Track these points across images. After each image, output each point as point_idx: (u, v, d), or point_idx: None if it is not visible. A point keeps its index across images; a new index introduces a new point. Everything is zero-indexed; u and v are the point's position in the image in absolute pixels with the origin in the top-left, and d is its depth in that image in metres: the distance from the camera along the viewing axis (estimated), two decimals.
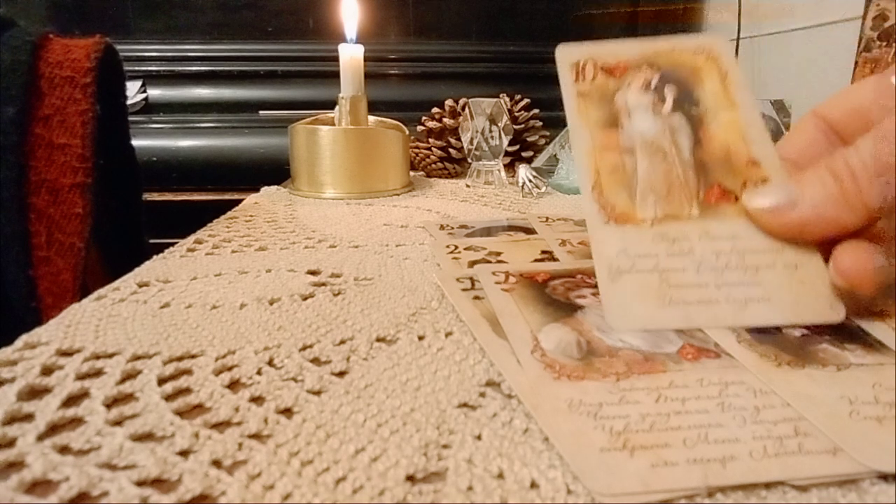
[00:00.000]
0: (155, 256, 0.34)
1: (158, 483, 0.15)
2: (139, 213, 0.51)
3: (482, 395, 0.19)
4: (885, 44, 0.52)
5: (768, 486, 0.14)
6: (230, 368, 0.20)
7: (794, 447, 0.15)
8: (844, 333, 0.21)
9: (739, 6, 0.93)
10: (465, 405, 0.18)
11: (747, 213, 0.24)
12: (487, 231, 0.41)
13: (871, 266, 0.22)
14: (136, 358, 0.21)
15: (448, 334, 0.23)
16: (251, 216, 0.46)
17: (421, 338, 0.23)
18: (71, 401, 0.18)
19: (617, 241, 0.24)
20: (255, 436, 0.16)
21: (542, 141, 0.72)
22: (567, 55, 0.29)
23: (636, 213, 0.25)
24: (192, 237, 0.39)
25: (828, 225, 0.22)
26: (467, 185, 0.62)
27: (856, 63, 0.55)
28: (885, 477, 0.14)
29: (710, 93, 0.27)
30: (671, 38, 0.29)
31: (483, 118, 0.59)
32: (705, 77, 0.28)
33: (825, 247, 0.23)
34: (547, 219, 0.43)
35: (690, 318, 0.21)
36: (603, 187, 0.25)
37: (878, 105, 0.25)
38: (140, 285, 0.29)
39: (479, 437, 0.16)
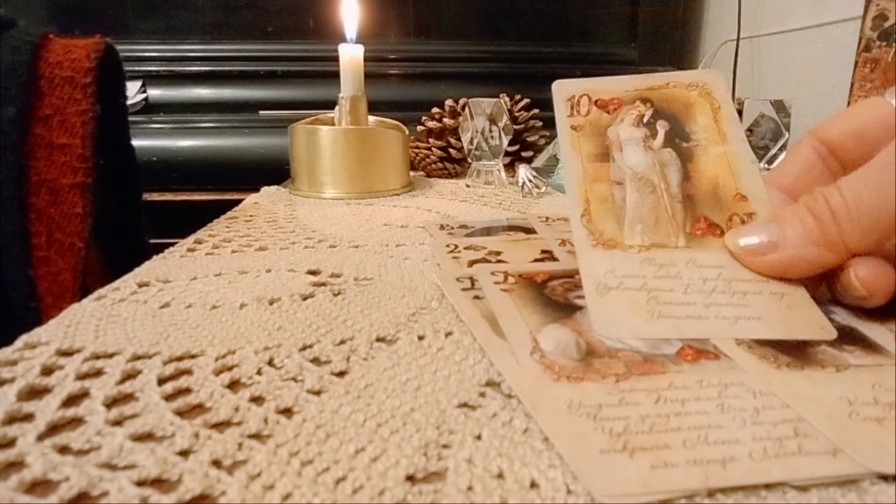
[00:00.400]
0: (155, 256, 0.34)
1: (158, 483, 0.15)
2: (139, 213, 0.51)
3: (482, 394, 0.19)
4: (884, 44, 0.52)
5: (768, 485, 0.14)
6: (230, 368, 0.20)
7: (793, 448, 0.15)
8: (843, 335, 0.21)
9: (739, 6, 0.93)
10: (465, 405, 0.18)
11: (729, 251, 0.24)
12: (487, 231, 0.41)
13: (887, 275, 0.22)
14: (136, 358, 0.21)
15: (448, 334, 0.23)
16: (251, 216, 0.46)
17: (421, 338, 0.23)
18: (71, 401, 0.18)
19: (605, 262, 0.24)
20: (255, 436, 0.16)
21: (542, 141, 0.72)
22: (563, 90, 0.30)
23: (624, 240, 0.25)
24: (192, 237, 0.39)
25: (809, 265, 0.23)
26: (467, 185, 0.62)
27: (856, 63, 0.55)
28: (884, 476, 0.14)
29: (702, 127, 0.28)
30: (667, 74, 0.30)
31: (483, 118, 0.59)
32: (698, 112, 0.29)
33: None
34: (547, 218, 0.43)
35: (680, 330, 0.21)
36: (592, 215, 0.26)
37: (884, 130, 0.25)
38: (140, 285, 0.29)
39: (478, 437, 0.16)
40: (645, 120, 0.29)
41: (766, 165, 0.56)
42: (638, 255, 0.25)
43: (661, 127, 0.28)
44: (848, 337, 0.21)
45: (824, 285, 0.24)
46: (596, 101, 0.29)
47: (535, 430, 0.17)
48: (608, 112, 0.29)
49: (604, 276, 0.24)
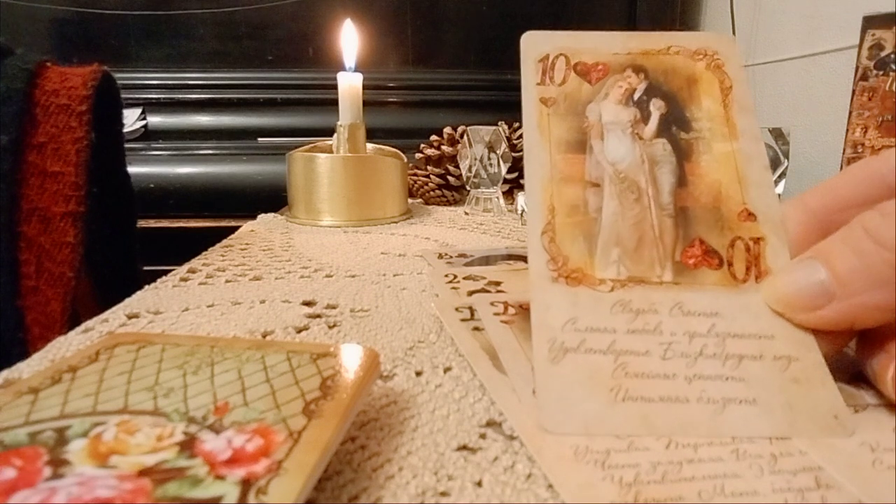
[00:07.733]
0: (147, 286, 0.33)
1: None
2: (133, 241, 0.50)
3: (482, 436, 0.18)
4: (881, 73, 0.53)
5: None
6: None
7: (816, 499, 0.14)
8: (856, 371, 0.20)
9: (733, 35, 0.94)
10: (464, 447, 0.17)
11: (772, 308, 0.19)
12: (486, 260, 0.40)
13: None
14: None
15: (447, 369, 0.23)
16: (247, 244, 0.46)
17: (419, 373, 0.22)
18: None
19: (566, 307, 0.19)
20: None
21: None
22: (534, 45, 0.24)
23: (594, 271, 0.20)
24: (186, 266, 0.38)
25: (882, 313, 0.17)
26: (466, 213, 0.62)
27: (853, 91, 0.55)
28: None
29: (707, 113, 0.23)
30: (668, 35, 0.24)
31: (481, 146, 0.59)
32: (703, 91, 0.23)
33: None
34: None
35: (650, 422, 0.17)
36: (556, 232, 0.20)
37: None
38: (129, 317, 0.28)
39: (479, 484, 0.15)
40: (636, 97, 0.23)
41: None
42: (610, 294, 0.19)
43: (656, 108, 0.23)
44: (861, 373, 0.20)
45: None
46: (576, 66, 0.23)
47: (539, 476, 0.16)
48: (590, 81, 0.23)
49: (561, 330, 0.19)
